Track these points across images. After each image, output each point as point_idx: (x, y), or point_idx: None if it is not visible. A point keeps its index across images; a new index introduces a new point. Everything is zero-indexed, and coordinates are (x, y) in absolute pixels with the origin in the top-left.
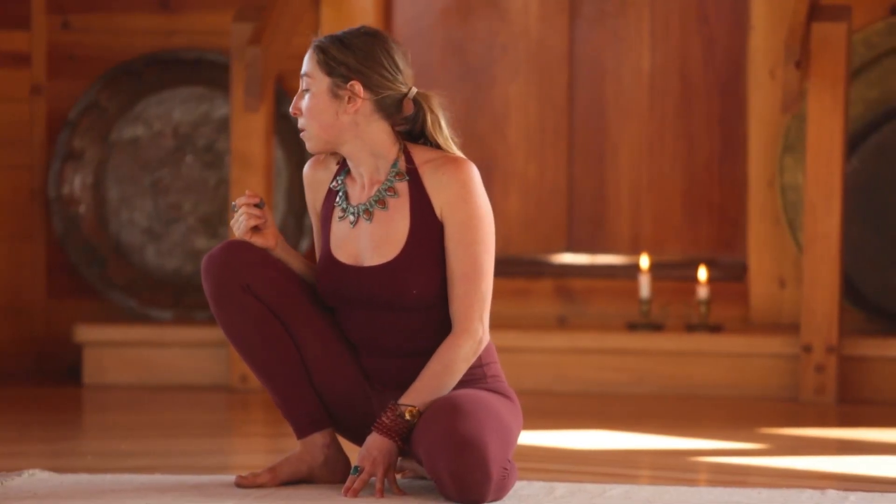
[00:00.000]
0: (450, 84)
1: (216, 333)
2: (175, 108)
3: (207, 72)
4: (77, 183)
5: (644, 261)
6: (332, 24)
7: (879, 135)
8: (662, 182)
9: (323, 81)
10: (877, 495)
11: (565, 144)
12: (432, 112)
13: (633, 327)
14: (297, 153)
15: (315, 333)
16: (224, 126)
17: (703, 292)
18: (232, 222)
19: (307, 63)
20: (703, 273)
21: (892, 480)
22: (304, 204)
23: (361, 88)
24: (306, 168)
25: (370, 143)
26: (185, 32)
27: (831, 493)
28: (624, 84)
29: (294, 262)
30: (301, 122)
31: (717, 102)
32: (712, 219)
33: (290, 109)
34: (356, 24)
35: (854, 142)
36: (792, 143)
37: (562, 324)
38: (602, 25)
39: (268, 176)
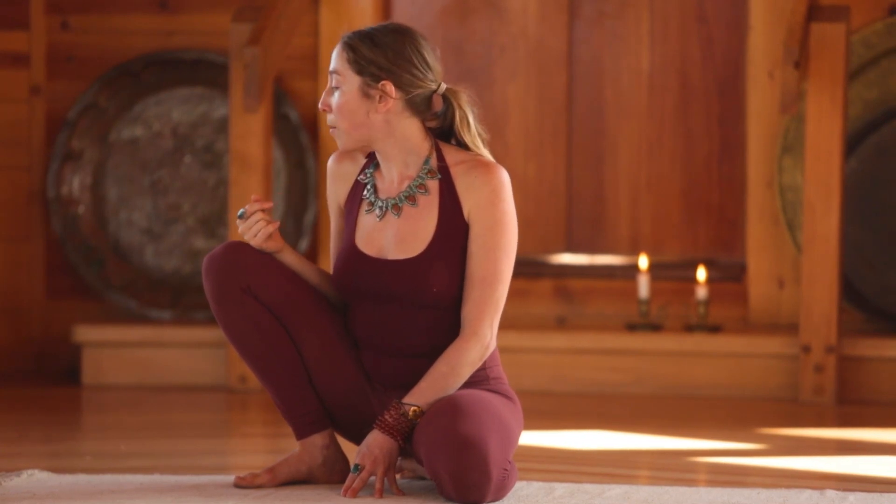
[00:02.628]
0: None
1: (215, 334)
2: (174, 109)
3: (206, 72)
4: (76, 183)
5: (643, 261)
6: (331, 24)
7: (878, 135)
8: (661, 182)
9: (353, 80)
10: (876, 495)
11: (564, 145)
12: (461, 108)
13: (632, 328)
14: (295, 153)
15: (315, 334)
16: (223, 126)
17: (701, 293)
18: (243, 229)
19: (336, 60)
20: (701, 273)
21: (891, 480)
22: (303, 204)
23: (393, 88)
24: (331, 161)
25: (402, 140)
26: (184, 33)
27: (830, 493)
28: (623, 84)
29: (297, 264)
30: (331, 119)
31: (715, 103)
32: (711, 219)
33: (320, 105)
34: (356, 25)
35: (853, 142)
36: (791, 143)
37: (561, 324)
38: (601, 26)
39: (267, 176)
